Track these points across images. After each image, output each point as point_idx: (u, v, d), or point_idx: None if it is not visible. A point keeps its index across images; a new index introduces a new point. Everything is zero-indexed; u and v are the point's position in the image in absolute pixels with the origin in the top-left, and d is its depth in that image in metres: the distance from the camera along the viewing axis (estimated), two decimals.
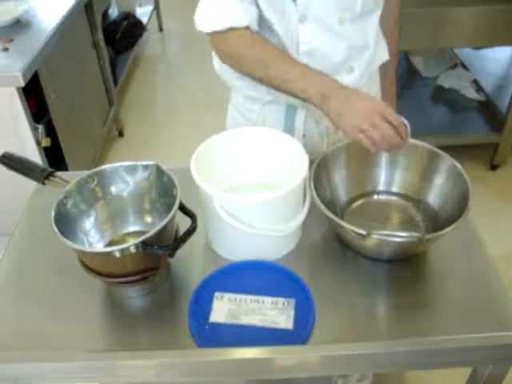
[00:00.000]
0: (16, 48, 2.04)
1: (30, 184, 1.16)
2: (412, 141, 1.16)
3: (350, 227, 0.98)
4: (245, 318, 0.97)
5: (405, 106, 3.02)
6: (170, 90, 3.75)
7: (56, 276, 1.12)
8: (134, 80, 3.87)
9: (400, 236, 0.96)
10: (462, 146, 2.79)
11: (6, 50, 2.01)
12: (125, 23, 3.79)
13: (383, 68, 1.43)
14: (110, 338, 1.02)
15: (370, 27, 1.29)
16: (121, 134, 3.31)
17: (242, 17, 1.16)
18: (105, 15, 3.75)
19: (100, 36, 2.91)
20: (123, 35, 3.73)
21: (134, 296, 1.05)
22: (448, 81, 3.18)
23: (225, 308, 0.99)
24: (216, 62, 1.38)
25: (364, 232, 0.97)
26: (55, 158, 2.29)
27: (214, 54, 1.36)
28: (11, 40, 2.08)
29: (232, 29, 1.16)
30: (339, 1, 1.19)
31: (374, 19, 1.29)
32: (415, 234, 0.96)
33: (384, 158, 1.19)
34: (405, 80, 3.33)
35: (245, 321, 0.97)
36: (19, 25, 2.22)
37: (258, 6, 1.19)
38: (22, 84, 1.90)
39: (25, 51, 2.01)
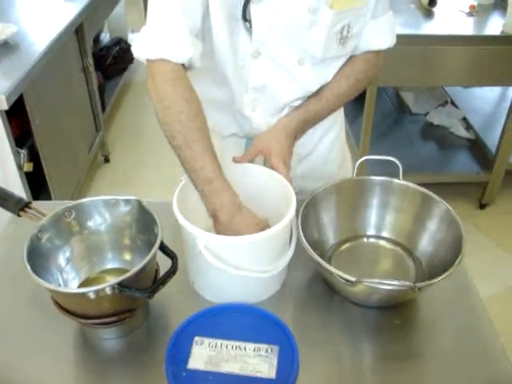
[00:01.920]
0: (2, 70, 1.99)
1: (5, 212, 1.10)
2: (404, 183, 1.13)
3: (338, 273, 0.94)
4: (225, 366, 0.92)
5: (394, 142, 3.04)
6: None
7: (27, 312, 1.07)
8: (122, 106, 3.84)
9: (391, 284, 0.92)
10: (451, 183, 2.79)
11: None
12: (116, 48, 3.78)
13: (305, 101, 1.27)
14: (81, 382, 0.96)
15: (330, 74, 1.25)
16: (107, 160, 3.26)
17: (182, 51, 1.07)
18: (96, 40, 3.74)
19: (90, 61, 2.88)
20: (114, 60, 3.71)
21: (109, 338, 1.00)
22: (437, 118, 3.19)
23: (204, 354, 0.93)
24: None
25: (353, 279, 0.92)
26: (38, 183, 2.23)
27: None
28: None
29: (164, 61, 1.06)
30: (297, 44, 1.16)
31: (337, 66, 1.25)
32: (407, 283, 0.92)
33: (375, 200, 1.15)
34: (394, 115, 3.34)
35: (225, 368, 0.91)
36: (7, 47, 2.18)
37: (207, 37, 1.14)
38: (6, 107, 1.85)
39: (10, 74, 1.96)
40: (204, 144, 1.04)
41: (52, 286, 0.88)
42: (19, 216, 1.02)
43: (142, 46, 1.09)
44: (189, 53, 1.08)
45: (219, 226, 1.01)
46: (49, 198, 2.32)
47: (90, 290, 0.84)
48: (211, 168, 1.02)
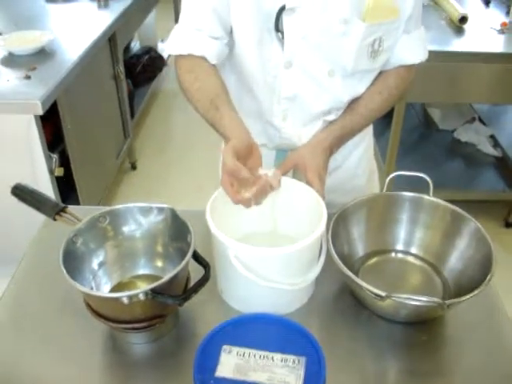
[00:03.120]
0: (38, 76, 2.04)
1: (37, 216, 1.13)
2: (434, 199, 1.13)
3: (368, 287, 0.95)
4: (253, 375, 0.92)
5: (420, 158, 3.03)
6: (185, 127, 3.76)
7: (59, 315, 1.09)
8: (150, 114, 3.89)
9: (420, 300, 0.92)
10: (476, 201, 2.76)
11: (28, 77, 2.02)
12: (146, 57, 3.84)
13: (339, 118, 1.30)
14: None
15: (361, 87, 1.26)
16: (133, 167, 3.30)
17: (205, 47, 1.18)
18: (127, 48, 3.79)
19: (121, 68, 2.93)
20: (143, 69, 3.76)
21: (138, 343, 1.01)
22: (465, 135, 3.17)
23: (232, 362, 0.94)
24: None
25: (383, 293, 0.93)
26: (66, 188, 2.27)
27: None
28: (34, 68, 2.09)
29: (191, 56, 1.19)
30: (329, 55, 1.17)
31: (369, 79, 1.26)
32: (436, 300, 0.92)
33: (405, 215, 1.16)
34: (421, 131, 3.33)
35: (252, 377, 0.92)
36: (43, 54, 2.23)
37: (233, 48, 1.21)
38: (41, 112, 1.90)
39: (46, 80, 2.01)
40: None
41: (87, 290, 0.89)
42: (55, 220, 1.03)
43: (170, 44, 1.23)
44: (199, 49, 1.18)
45: None
46: (76, 202, 2.36)
47: (123, 295, 0.86)
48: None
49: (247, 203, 1.03)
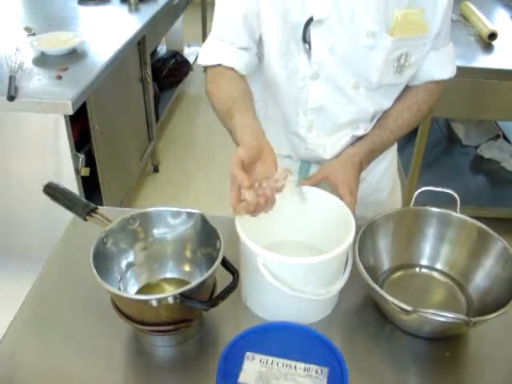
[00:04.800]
0: (69, 77, 2.08)
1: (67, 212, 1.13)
2: (462, 217, 1.13)
3: (394, 301, 0.95)
4: (275, 383, 0.93)
5: (443, 173, 3.01)
6: (209, 131, 3.78)
7: (83, 314, 1.10)
8: (174, 117, 3.92)
9: (447, 316, 0.92)
10: (499, 218, 2.74)
11: (59, 77, 2.05)
12: (172, 61, 3.87)
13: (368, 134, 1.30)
14: None
15: (386, 100, 1.27)
16: (156, 170, 3.33)
17: (234, 59, 1.21)
18: (153, 52, 3.83)
19: (148, 72, 2.96)
20: (169, 73, 3.80)
21: (162, 345, 1.02)
22: (489, 151, 3.15)
23: (255, 370, 0.95)
24: None
25: (409, 308, 0.93)
26: (88, 188, 2.30)
27: None
28: (66, 69, 2.12)
29: (220, 66, 1.22)
30: (354, 67, 1.18)
31: (394, 93, 1.27)
32: (462, 317, 0.92)
33: (431, 231, 1.16)
34: (443, 146, 3.31)
35: None
36: (74, 55, 2.27)
37: (263, 59, 1.23)
38: (71, 112, 1.93)
39: (77, 81, 2.04)
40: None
41: (116, 291, 0.91)
42: (85, 220, 1.05)
43: (201, 54, 1.27)
44: (229, 60, 1.21)
45: None
46: (99, 203, 2.38)
47: (152, 298, 0.87)
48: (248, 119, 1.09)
49: (246, 210, 0.98)
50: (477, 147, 3.22)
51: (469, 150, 3.23)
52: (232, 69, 1.21)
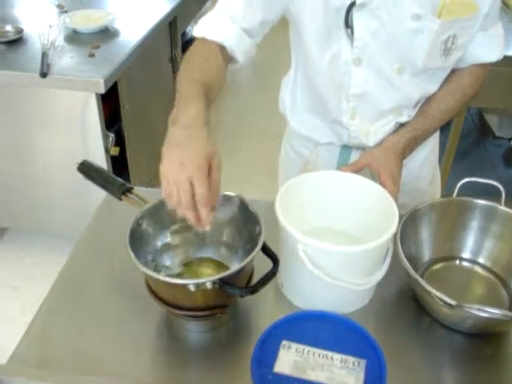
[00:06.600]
0: (101, 55, 2.06)
1: (95, 191, 1.11)
2: (508, 210, 1.09)
3: (438, 294, 0.91)
4: (311, 374, 0.91)
5: (475, 164, 2.95)
6: (235, 118, 3.73)
7: (115, 295, 1.09)
8: None
9: (493, 313, 0.88)
10: None
11: (92, 55, 2.03)
12: None
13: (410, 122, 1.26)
14: (162, 372, 0.97)
15: (432, 85, 1.22)
16: None
17: (222, 35, 1.10)
18: (183, 33, 3.79)
19: (179, 52, 2.93)
20: None
21: (195, 330, 1.01)
22: None
23: (291, 359, 0.93)
24: (280, 98, 1.38)
25: (453, 302, 0.89)
26: (116, 168, 2.29)
27: (282, 86, 1.36)
28: (98, 47, 2.10)
29: (215, 44, 1.10)
30: (399, 52, 1.13)
31: (440, 77, 1.22)
32: (509, 314, 0.88)
33: (475, 223, 1.12)
34: (476, 137, 3.24)
35: (312, 376, 0.90)
36: (106, 33, 2.25)
37: (303, 46, 1.17)
38: (103, 91, 1.91)
39: (109, 59, 2.03)
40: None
41: (154, 274, 0.88)
42: (120, 200, 1.03)
43: (200, 26, 1.14)
44: (229, 40, 1.10)
45: (175, 131, 0.95)
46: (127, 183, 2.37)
47: (190, 283, 0.84)
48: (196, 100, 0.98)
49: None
50: (510, 139, 3.15)
51: (502, 142, 3.16)
52: (224, 49, 1.11)
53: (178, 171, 0.86)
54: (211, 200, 0.86)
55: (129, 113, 2.26)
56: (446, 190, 1.21)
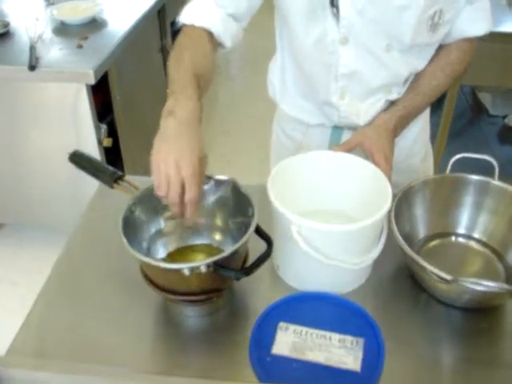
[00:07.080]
0: (90, 46, 2.04)
1: (90, 182, 1.12)
2: (503, 185, 1.09)
3: (433, 270, 0.91)
4: (310, 354, 0.91)
5: (469, 142, 2.95)
6: (228, 102, 3.73)
7: (112, 283, 1.09)
8: None
9: (489, 286, 0.88)
10: None
11: (80, 46, 2.01)
12: None
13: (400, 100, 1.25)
14: (161, 358, 0.97)
15: (420, 61, 1.22)
16: None
17: (208, 21, 1.11)
18: (172, 23, 3.77)
19: (169, 42, 2.91)
20: None
21: (193, 315, 1.01)
22: None
23: (289, 340, 0.93)
24: (269, 82, 1.38)
25: (449, 277, 0.89)
26: (109, 159, 2.28)
27: (269, 70, 1.36)
28: (86, 38, 2.08)
29: (203, 30, 1.11)
30: (386, 29, 1.12)
31: (428, 54, 1.22)
32: (506, 286, 0.89)
33: (469, 198, 1.12)
34: (469, 115, 3.24)
35: (310, 357, 0.90)
36: (94, 24, 2.23)
37: (288, 28, 1.16)
38: (93, 82, 1.90)
39: (98, 50, 2.01)
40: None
41: (148, 259, 0.88)
42: (112, 188, 1.03)
43: (186, 12, 1.14)
44: (216, 26, 1.10)
45: (170, 123, 0.96)
46: None
47: (185, 267, 0.84)
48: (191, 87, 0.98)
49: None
50: (504, 117, 3.14)
51: (496, 120, 3.15)
52: (212, 35, 1.11)
53: (171, 169, 0.88)
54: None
55: (120, 104, 2.24)
56: (441, 169, 1.20)
